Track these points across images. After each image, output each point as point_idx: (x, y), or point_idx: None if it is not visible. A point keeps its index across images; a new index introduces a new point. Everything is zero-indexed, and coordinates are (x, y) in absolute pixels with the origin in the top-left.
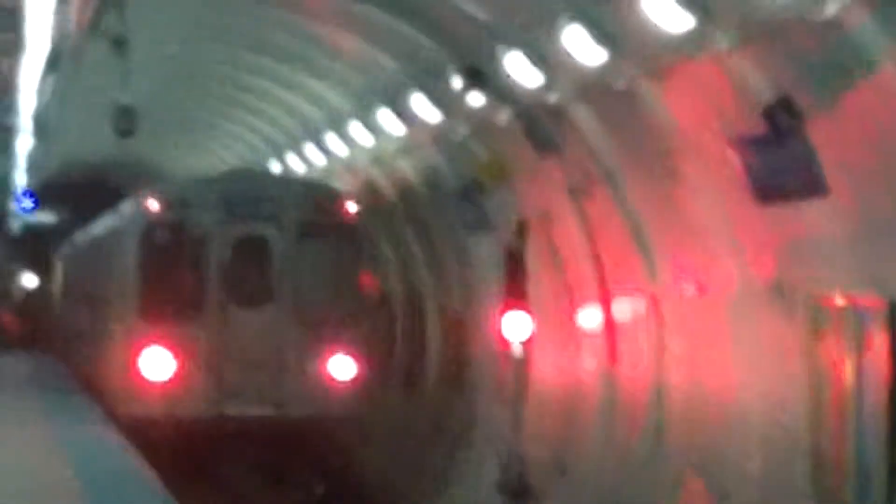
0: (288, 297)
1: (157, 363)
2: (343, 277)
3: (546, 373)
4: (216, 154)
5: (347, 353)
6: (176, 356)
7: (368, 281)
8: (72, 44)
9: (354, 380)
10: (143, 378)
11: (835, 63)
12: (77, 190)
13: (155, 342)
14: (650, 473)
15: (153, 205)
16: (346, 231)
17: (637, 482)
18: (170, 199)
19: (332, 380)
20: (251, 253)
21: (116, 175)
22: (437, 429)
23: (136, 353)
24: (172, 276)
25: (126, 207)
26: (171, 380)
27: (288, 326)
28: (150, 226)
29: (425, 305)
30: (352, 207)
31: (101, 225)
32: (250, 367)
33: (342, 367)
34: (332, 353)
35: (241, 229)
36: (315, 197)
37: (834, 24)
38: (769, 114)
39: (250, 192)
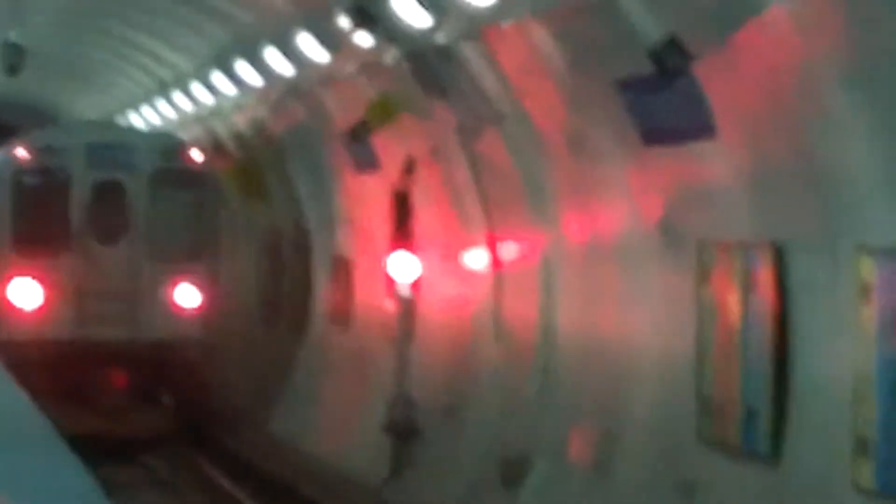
0: (141, 235)
1: (26, 292)
2: (189, 217)
3: (434, 313)
4: (108, 93)
5: (192, 283)
6: (43, 286)
7: (213, 220)
8: None
9: (199, 307)
10: (13, 305)
11: (724, 3)
12: None
13: (24, 274)
14: (538, 415)
15: (22, 153)
16: (192, 176)
17: (525, 424)
18: (37, 148)
19: (179, 307)
20: (109, 195)
21: (6, 112)
22: (308, 359)
23: (7, 284)
24: (40, 216)
25: (1, 152)
26: (38, 307)
27: (141, 260)
28: (19, 171)
29: (311, 244)
30: (197, 156)
31: None
32: (108, 295)
33: (188, 295)
34: (179, 283)
35: (99, 174)
36: (164, 146)
37: None
38: (656, 54)
39: (108, 142)
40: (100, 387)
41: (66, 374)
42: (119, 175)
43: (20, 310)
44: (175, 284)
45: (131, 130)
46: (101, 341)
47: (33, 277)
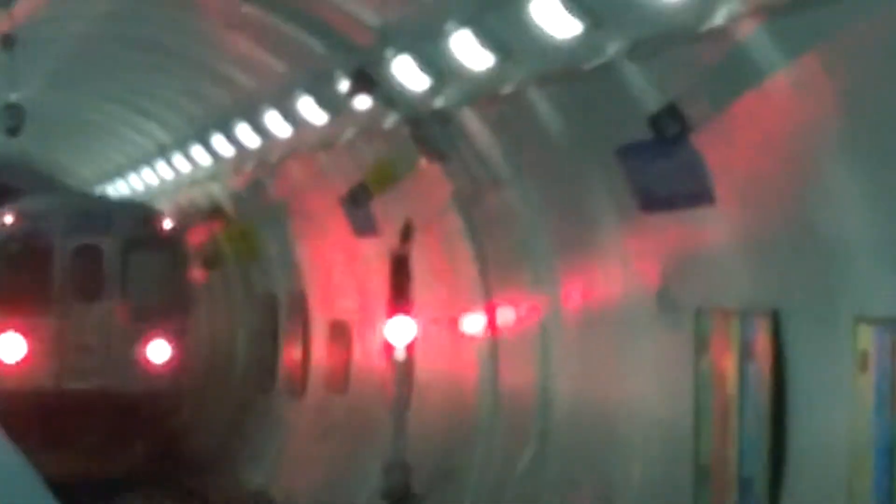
0: (116, 294)
1: (11, 346)
2: (160, 279)
3: (430, 378)
4: (106, 154)
5: (164, 339)
6: (27, 340)
7: (182, 282)
8: None
9: (170, 362)
10: None
11: (723, 72)
12: None
13: (8, 329)
14: (534, 480)
15: (7, 218)
16: (163, 242)
17: (521, 488)
18: (22, 214)
19: (150, 362)
20: (87, 258)
21: (6, 173)
22: (304, 424)
23: None
24: (24, 277)
25: None
26: (22, 360)
27: (115, 317)
28: (5, 235)
29: (308, 307)
30: (168, 224)
31: None
32: (85, 349)
33: (159, 351)
34: (150, 339)
35: (79, 240)
36: (138, 215)
37: (722, 34)
38: (655, 122)
39: (87, 210)
40: (77, 434)
41: (47, 422)
42: (96, 240)
43: (5, 362)
44: (146, 340)
45: (108, 200)
46: (78, 392)
47: (17, 332)
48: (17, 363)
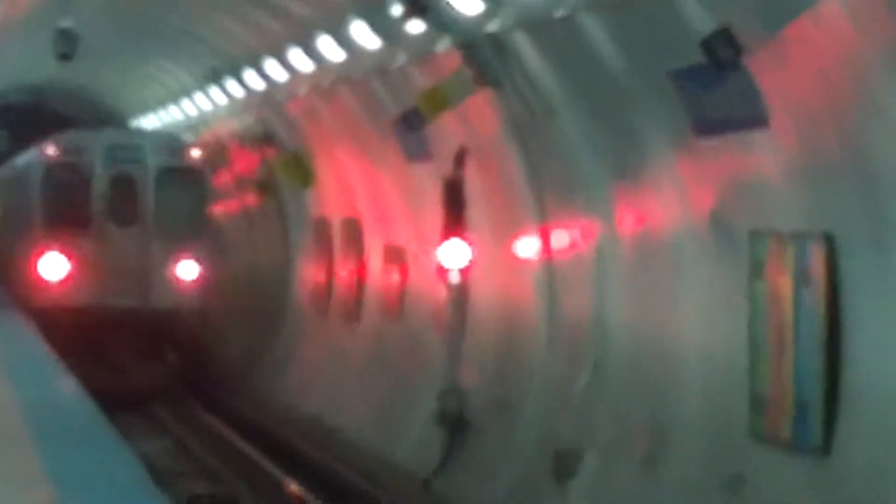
0: (149, 219)
1: (54, 265)
2: (188, 205)
3: (486, 303)
4: (160, 80)
5: (192, 259)
6: (69, 259)
7: (207, 207)
8: None
9: (197, 279)
10: (42, 278)
11: None
12: (17, 114)
13: (53, 249)
14: (590, 408)
15: (51, 150)
16: (191, 172)
17: (577, 417)
18: (65, 146)
19: (179, 280)
20: (123, 186)
21: (57, 99)
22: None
23: (38, 258)
24: (66, 203)
25: (33, 150)
26: (63, 279)
27: (149, 240)
28: (49, 165)
29: (363, 233)
30: (196, 154)
31: (20, 161)
32: (122, 269)
33: (187, 270)
34: (179, 259)
35: (115, 169)
36: (169, 147)
37: None
38: (708, 46)
39: (123, 143)
40: (114, 347)
41: (86, 336)
42: (130, 170)
43: (48, 280)
44: (177, 261)
45: (141, 133)
46: (115, 308)
47: (60, 252)
48: (60, 281)
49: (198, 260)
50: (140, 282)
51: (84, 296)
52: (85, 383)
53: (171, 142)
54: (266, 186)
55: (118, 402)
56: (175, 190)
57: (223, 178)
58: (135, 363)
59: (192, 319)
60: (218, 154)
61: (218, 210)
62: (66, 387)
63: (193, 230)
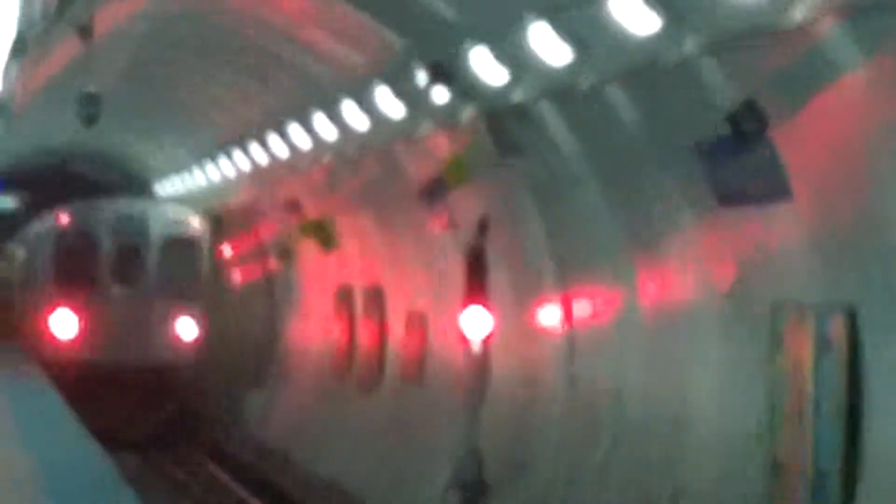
0: (152, 282)
1: (64, 323)
2: (187, 270)
3: (505, 371)
4: (182, 144)
5: (190, 319)
6: (78, 318)
7: (205, 272)
8: (38, 30)
9: (196, 338)
10: (54, 336)
11: (800, 69)
12: (40, 176)
13: (63, 307)
14: (606, 477)
15: (64, 218)
16: (191, 239)
17: (592, 486)
18: (76, 215)
19: (179, 338)
20: (128, 252)
21: (80, 162)
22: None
23: (50, 315)
24: (76, 267)
25: (49, 218)
26: (75, 336)
27: (152, 301)
28: (62, 232)
29: (386, 300)
30: (195, 223)
31: (36, 227)
32: (126, 328)
33: (186, 328)
34: (178, 319)
35: (121, 238)
36: (171, 216)
37: (800, 32)
38: (733, 118)
39: (129, 213)
40: (120, 397)
41: (94, 387)
42: (135, 239)
43: (59, 337)
44: (175, 320)
45: (146, 203)
46: (119, 362)
47: (70, 310)
48: (71, 339)
49: (195, 319)
50: (141, 339)
51: (91, 351)
52: (92, 429)
53: (173, 211)
54: (286, 253)
55: (122, 445)
56: (175, 257)
57: (243, 244)
58: (138, 412)
59: (190, 372)
60: (240, 219)
61: (232, 274)
62: (85, 447)
63: (191, 293)
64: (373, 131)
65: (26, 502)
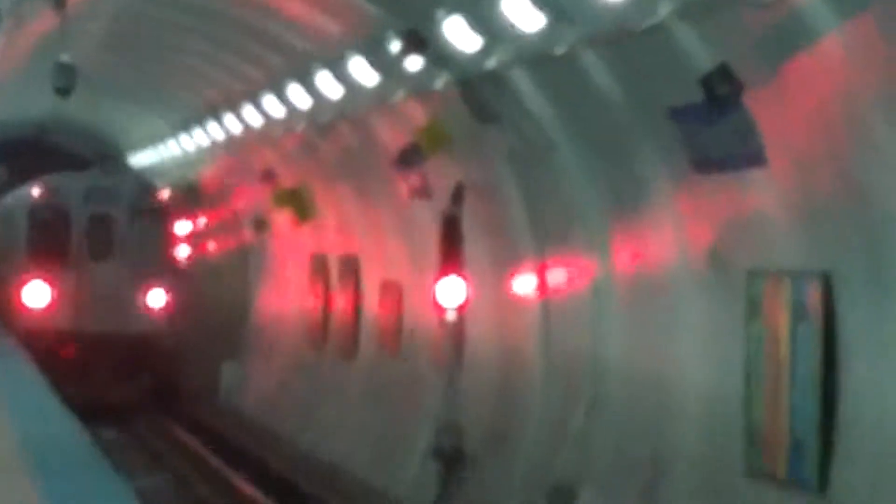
0: (122, 253)
1: (37, 293)
2: (157, 240)
3: (482, 340)
4: (159, 113)
5: (161, 288)
6: (51, 288)
7: (172, 243)
8: (11, 1)
9: (165, 307)
10: (27, 306)
11: (775, 33)
12: (17, 148)
13: (36, 278)
14: (586, 444)
15: (36, 191)
16: (160, 210)
17: (573, 453)
18: (48, 187)
19: (149, 307)
20: (99, 224)
21: (56, 134)
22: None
23: (23, 286)
24: (48, 238)
25: (21, 191)
26: (46, 306)
27: (122, 272)
28: (34, 205)
29: (362, 269)
30: (164, 195)
31: (8, 200)
32: (97, 298)
33: (156, 298)
34: (149, 289)
35: (93, 209)
36: (140, 188)
37: None
38: (707, 82)
39: (100, 185)
40: (92, 367)
41: (66, 357)
42: (107, 209)
43: (32, 307)
44: (146, 289)
45: (116, 175)
46: (91, 333)
47: (42, 280)
48: (43, 309)
49: (166, 288)
50: (112, 309)
51: (63, 321)
52: (66, 401)
53: (141, 183)
54: (260, 224)
55: (96, 416)
56: (145, 228)
57: (218, 214)
58: (111, 382)
59: (161, 342)
60: (215, 189)
61: (207, 244)
62: (64, 421)
63: (162, 263)
64: (347, 99)
65: (1, 475)
